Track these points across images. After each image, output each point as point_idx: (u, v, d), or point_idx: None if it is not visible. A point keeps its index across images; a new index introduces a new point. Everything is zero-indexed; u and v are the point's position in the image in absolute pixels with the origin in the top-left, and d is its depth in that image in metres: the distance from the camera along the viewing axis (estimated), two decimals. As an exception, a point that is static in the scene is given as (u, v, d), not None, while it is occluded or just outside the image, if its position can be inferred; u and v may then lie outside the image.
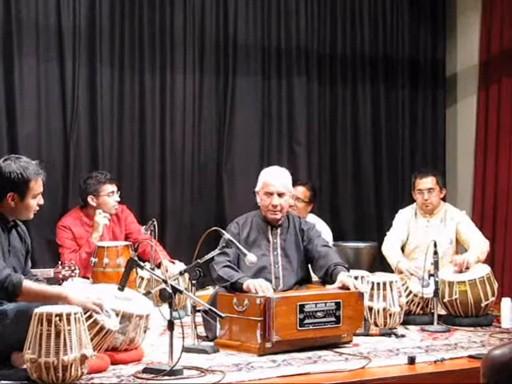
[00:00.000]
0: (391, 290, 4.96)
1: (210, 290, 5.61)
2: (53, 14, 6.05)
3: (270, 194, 4.83)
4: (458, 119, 7.49)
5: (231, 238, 4.46)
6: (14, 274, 3.78)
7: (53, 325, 3.48)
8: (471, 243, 5.63)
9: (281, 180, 4.87)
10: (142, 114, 6.41)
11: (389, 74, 7.33)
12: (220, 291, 4.62)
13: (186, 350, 3.94)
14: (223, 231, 4.53)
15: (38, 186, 3.97)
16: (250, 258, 4.46)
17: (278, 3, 6.88)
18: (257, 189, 4.93)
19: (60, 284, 4.94)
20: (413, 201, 5.95)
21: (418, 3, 7.44)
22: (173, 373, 3.73)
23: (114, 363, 3.94)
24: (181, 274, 4.55)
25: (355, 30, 7.19)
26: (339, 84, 7.15)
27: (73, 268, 4.53)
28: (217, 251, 4.50)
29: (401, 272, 5.44)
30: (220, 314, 4.06)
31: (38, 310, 3.54)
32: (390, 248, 5.72)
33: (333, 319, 4.44)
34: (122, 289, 4.02)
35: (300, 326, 4.33)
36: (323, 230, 5.91)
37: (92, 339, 3.75)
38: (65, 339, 3.49)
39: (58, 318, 3.49)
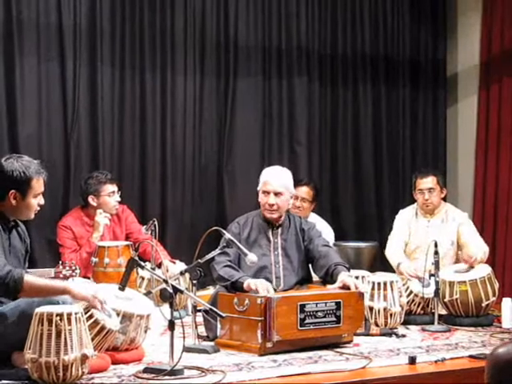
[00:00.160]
0: (392, 289, 4.96)
1: (210, 290, 5.61)
2: (53, 14, 6.05)
3: (267, 192, 4.84)
4: (458, 119, 7.49)
5: (232, 238, 4.46)
6: (15, 269, 3.78)
7: (53, 324, 3.48)
8: (471, 248, 5.60)
9: (279, 179, 4.87)
10: (143, 114, 6.41)
11: (390, 75, 7.34)
12: (220, 291, 4.62)
13: (186, 349, 3.94)
14: (224, 231, 4.53)
15: (39, 185, 3.97)
16: (251, 257, 4.46)
17: (278, 4, 6.88)
18: (258, 188, 4.94)
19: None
20: (413, 201, 5.94)
21: (418, 4, 7.44)
22: (173, 373, 3.73)
23: (114, 363, 3.94)
24: (181, 273, 4.55)
25: (356, 31, 7.19)
26: (340, 84, 7.15)
27: (73, 268, 4.52)
28: (217, 251, 4.50)
29: (402, 273, 5.44)
30: (220, 313, 4.07)
31: (38, 310, 3.54)
32: (392, 250, 5.72)
33: (333, 319, 4.44)
34: (122, 289, 4.02)
35: (301, 326, 4.34)
36: (325, 230, 5.92)
37: (93, 339, 3.75)
38: (65, 339, 3.49)
39: (58, 318, 3.49)
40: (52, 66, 6.07)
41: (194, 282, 4.45)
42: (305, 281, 4.90)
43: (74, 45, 6.10)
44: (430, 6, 7.45)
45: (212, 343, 4.45)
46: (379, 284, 4.98)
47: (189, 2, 6.52)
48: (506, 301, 5.15)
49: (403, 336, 4.83)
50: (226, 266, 4.66)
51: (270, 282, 4.65)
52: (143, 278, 5.29)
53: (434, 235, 5.52)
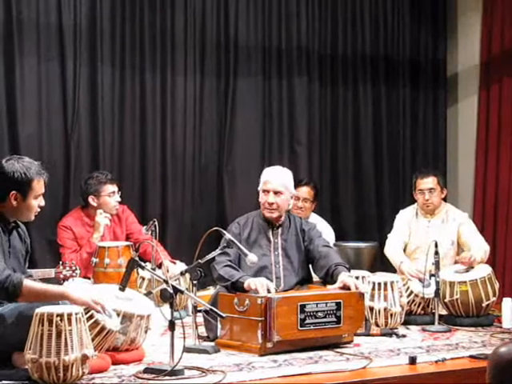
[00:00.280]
0: (392, 290, 4.96)
1: (210, 290, 5.61)
2: (54, 14, 6.05)
3: (267, 191, 4.85)
4: (458, 119, 7.49)
5: (232, 238, 4.46)
6: (14, 274, 3.78)
7: (54, 325, 3.49)
8: (472, 246, 5.61)
9: (279, 178, 4.88)
10: (143, 114, 6.41)
11: (390, 75, 7.34)
12: (221, 291, 4.62)
13: (186, 350, 3.94)
14: (224, 231, 4.53)
15: (39, 186, 3.97)
16: (251, 258, 4.46)
17: (278, 4, 6.88)
18: (259, 187, 4.95)
19: (61, 284, 4.95)
20: (414, 201, 5.94)
21: (418, 4, 7.44)
22: (174, 373, 3.73)
23: (114, 363, 3.94)
24: (182, 274, 4.55)
25: (356, 31, 7.19)
26: (340, 84, 7.15)
27: (74, 268, 4.53)
28: (218, 251, 4.50)
29: (403, 273, 5.44)
30: (221, 314, 4.07)
31: (39, 310, 3.54)
32: (392, 249, 5.71)
33: (333, 319, 4.44)
34: (123, 289, 4.02)
35: (301, 326, 4.34)
36: (325, 230, 5.93)
37: (93, 339, 3.75)
38: (66, 339, 3.49)
39: (59, 318, 3.50)
40: (52, 66, 6.07)
41: (195, 282, 4.45)
42: (305, 281, 4.91)
43: (74, 45, 6.10)
44: (431, 6, 7.45)
45: (212, 343, 4.45)
46: (379, 284, 4.97)
47: (189, 2, 6.52)
48: (506, 301, 5.15)
49: (403, 336, 4.83)
50: (226, 266, 4.67)
51: (271, 282, 4.65)
52: (143, 279, 5.29)
53: (434, 235, 5.52)
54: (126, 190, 6.06)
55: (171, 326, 3.79)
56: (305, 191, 6.21)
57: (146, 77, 6.39)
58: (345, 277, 4.59)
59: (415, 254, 5.75)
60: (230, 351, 4.33)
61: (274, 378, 3.81)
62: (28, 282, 3.77)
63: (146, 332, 4.19)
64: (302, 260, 4.90)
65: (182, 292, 3.96)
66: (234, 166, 6.73)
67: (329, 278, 4.74)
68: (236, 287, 4.55)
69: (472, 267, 5.41)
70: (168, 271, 5.12)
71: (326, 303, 4.42)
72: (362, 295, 4.55)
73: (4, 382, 3.57)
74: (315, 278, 5.02)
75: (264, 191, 4.87)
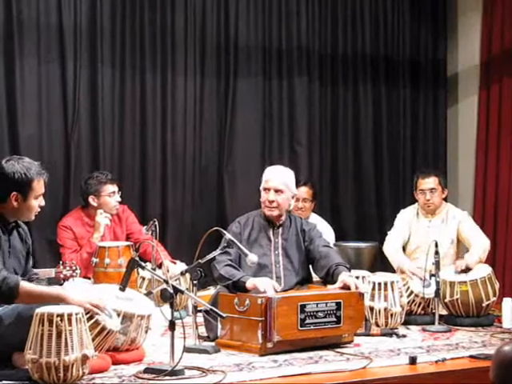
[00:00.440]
0: (392, 290, 4.96)
1: (211, 290, 5.61)
2: (54, 14, 6.05)
3: (268, 189, 4.85)
4: (459, 119, 7.49)
5: (232, 238, 4.47)
6: (10, 276, 3.77)
7: (54, 325, 3.49)
8: (472, 241, 5.63)
9: (280, 177, 4.88)
10: (143, 115, 6.41)
11: (390, 75, 7.34)
12: (221, 291, 4.62)
13: (187, 350, 3.94)
14: (224, 231, 4.53)
15: (40, 186, 3.97)
16: (252, 257, 4.47)
17: (278, 4, 6.88)
18: (260, 186, 4.95)
19: (61, 284, 4.95)
20: (414, 201, 5.94)
21: (418, 4, 7.44)
22: (174, 373, 3.73)
23: (115, 363, 3.94)
24: (182, 274, 4.55)
25: (356, 31, 7.19)
26: (340, 84, 7.15)
27: (74, 268, 4.53)
28: (218, 251, 4.51)
29: (403, 272, 5.44)
30: (221, 314, 4.07)
31: (39, 311, 3.54)
32: (391, 248, 5.72)
33: (333, 319, 4.44)
34: (123, 289, 4.02)
35: (301, 326, 4.34)
36: (325, 231, 5.93)
37: (93, 339, 3.75)
38: (66, 339, 3.49)
39: (59, 319, 3.50)
40: (52, 66, 6.07)
41: (195, 282, 4.45)
42: (305, 281, 4.91)
43: (75, 45, 6.10)
44: (431, 5, 7.45)
45: (212, 343, 4.45)
46: (380, 284, 4.97)
47: (189, 2, 6.52)
48: (506, 301, 5.15)
49: (404, 336, 4.83)
50: (226, 266, 4.67)
51: (270, 281, 4.66)
52: (144, 279, 5.29)
53: (434, 235, 5.52)
54: (126, 190, 6.06)
55: (171, 326, 3.79)
56: (303, 191, 6.21)
57: (146, 77, 6.39)
58: (345, 277, 4.59)
59: (415, 253, 5.75)
60: (231, 351, 4.33)
61: (275, 378, 3.82)
62: (24, 284, 3.77)
63: (146, 332, 4.19)
64: (302, 260, 4.90)
65: (182, 292, 3.96)
66: (234, 167, 6.73)
67: (329, 278, 4.74)
68: (237, 287, 4.55)
69: (469, 269, 5.41)
70: (168, 271, 5.12)
71: (326, 303, 4.42)
72: (362, 295, 4.56)
73: (4, 382, 3.57)
74: (315, 277, 5.02)
75: (265, 189, 4.88)
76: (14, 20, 5.90)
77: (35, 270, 4.29)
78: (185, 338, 3.82)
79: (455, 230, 5.75)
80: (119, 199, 5.72)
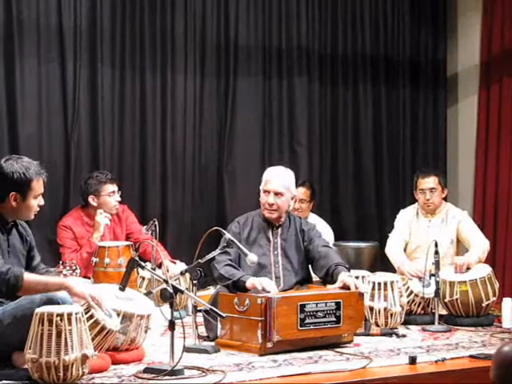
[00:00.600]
0: (392, 289, 4.96)
1: (210, 290, 5.61)
2: (54, 15, 6.05)
3: (268, 192, 4.84)
4: (458, 119, 7.49)
5: (232, 238, 4.47)
6: (13, 267, 3.79)
7: (54, 325, 3.49)
8: (471, 242, 5.64)
9: (280, 179, 4.87)
10: (143, 115, 6.41)
11: (390, 75, 7.34)
12: (221, 291, 4.62)
13: (186, 349, 3.94)
14: (224, 231, 4.53)
15: (39, 186, 3.97)
16: (251, 257, 4.47)
17: (278, 5, 6.88)
18: (260, 187, 4.95)
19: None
20: (414, 201, 5.94)
21: (418, 4, 7.44)
22: (174, 373, 3.73)
23: (114, 363, 3.95)
24: (182, 273, 4.56)
25: (356, 31, 7.19)
26: (340, 84, 7.15)
27: (74, 268, 4.52)
28: (218, 251, 4.51)
29: (403, 273, 5.44)
30: (221, 313, 4.07)
31: (39, 310, 3.54)
32: (393, 249, 5.71)
33: (333, 319, 4.44)
34: (123, 289, 4.02)
35: (301, 326, 4.34)
36: (325, 231, 5.92)
37: (93, 339, 3.76)
38: (66, 339, 3.49)
39: (59, 318, 3.50)
40: (52, 66, 6.07)
41: (195, 282, 4.45)
42: (305, 281, 4.91)
43: (75, 46, 6.10)
44: (431, 6, 7.45)
45: (212, 343, 4.45)
46: (379, 284, 4.97)
47: (189, 3, 6.52)
48: (506, 301, 5.15)
49: (403, 336, 4.83)
50: (226, 265, 4.67)
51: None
52: (143, 278, 5.29)
53: (434, 235, 5.52)
54: (126, 190, 6.06)
55: (171, 325, 3.79)
56: (301, 192, 6.18)
57: (146, 77, 6.40)
58: (345, 276, 4.59)
59: (415, 253, 5.75)
60: (230, 351, 4.33)
61: (274, 377, 3.81)
62: (28, 275, 3.78)
63: (146, 332, 4.19)
64: (301, 260, 4.90)
65: (181, 292, 3.96)
66: (234, 166, 6.73)
67: (329, 278, 4.74)
68: (237, 286, 4.55)
69: (469, 268, 5.41)
70: (168, 271, 5.12)
71: (326, 303, 4.42)
72: (361, 295, 4.56)
73: (4, 381, 3.57)
74: (315, 277, 5.02)
75: (265, 191, 4.87)
76: (13, 20, 5.91)
77: (51, 269, 4.28)
78: (184, 337, 3.82)
79: (455, 230, 5.76)
80: (119, 199, 5.72)
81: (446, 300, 5.29)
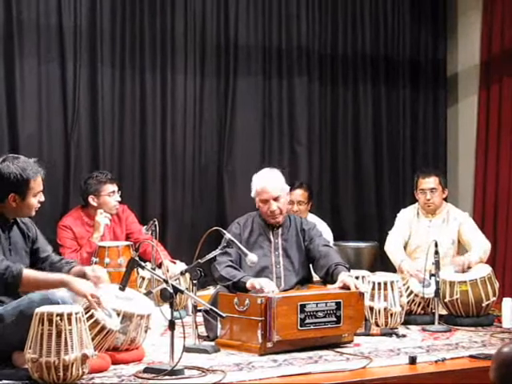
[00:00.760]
0: (392, 289, 4.96)
1: (210, 290, 5.61)
2: (54, 15, 6.05)
3: (266, 201, 4.82)
4: (459, 119, 7.49)
5: (232, 238, 4.46)
6: (13, 264, 3.80)
7: (54, 324, 3.49)
8: (473, 243, 5.64)
9: (273, 184, 4.84)
10: (143, 114, 6.41)
11: (390, 75, 7.34)
12: (221, 291, 4.62)
13: (186, 349, 3.94)
14: (224, 231, 4.53)
15: (37, 184, 3.97)
16: (251, 257, 4.46)
17: (278, 5, 6.88)
18: (252, 195, 4.92)
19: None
20: (414, 201, 5.95)
21: (418, 4, 7.44)
22: (174, 372, 3.73)
23: (114, 363, 3.94)
24: (182, 273, 4.55)
25: (356, 31, 7.19)
26: (340, 84, 7.15)
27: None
28: (218, 251, 4.50)
29: (403, 272, 5.44)
30: (221, 313, 4.07)
31: (39, 310, 3.54)
32: (392, 246, 5.71)
33: (333, 319, 4.44)
34: (123, 289, 4.02)
35: (301, 326, 4.33)
36: (324, 231, 5.91)
37: (93, 339, 3.75)
38: (66, 339, 3.49)
39: (59, 318, 3.50)
40: (52, 66, 6.07)
41: (195, 282, 4.45)
42: (305, 281, 4.91)
43: (75, 46, 6.10)
44: (431, 5, 7.45)
45: (212, 343, 4.45)
46: (379, 284, 4.97)
47: (189, 3, 6.52)
48: (506, 301, 5.15)
49: (403, 336, 4.83)
50: (227, 266, 4.67)
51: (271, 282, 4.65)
52: (143, 278, 5.29)
53: (434, 235, 5.52)
54: (125, 190, 6.06)
55: (171, 325, 3.79)
56: (298, 194, 6.17)
57: (146, 77, 6.40)
58: (345, 276, 4.59)
59: (416, 253, 5.75)
60: (230, 351, 4.33)
61: (274, 377, 3.81)
62: (27, 272, 3.79)
63: (145, 332, 4.19)
64: (302, 260, 4.90)
65: (181, 292, 3.96)
66: (234, 166, 6.73)
67: (329, 278, 4.74)
68: (237, 287, 4.55)
69: (469, 268, 5.41)
70: (168, 271, 5.12)
71: (326, 303, 4.42)
72: (361, 295, 4.55)
73: (4, 381, 3.57)
74: (315, 277, 5.02)
75: (262, 201, 4.84)
76: (13, 21, 5.91)
77: (72, 261, 4.26)
78: (184, 337, 3.82)
79: (456, 231, 5.75)
80: (119, 199, 5.72)
81: (446, 300, 5.29)
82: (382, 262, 6.28)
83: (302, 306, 4.34)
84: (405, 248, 5.80)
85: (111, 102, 6.29)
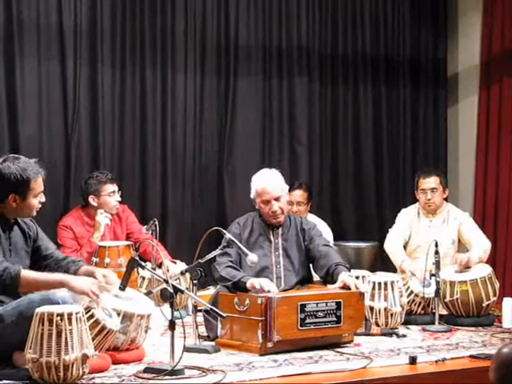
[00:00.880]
0: (392, 289, 4.96)
1: (211, 290, 5.61)
2: (54, 14, 6.05)
3: (268, 201, 4.82)
4: (459, 119, 7.49)
5: (232, 238, 4.46)
6: (11, 266, 3.80)
7: (54, 324, 3.49)
8: (473, 243, 5.64)
9: (273, 184, 4.84)
10: (144, 114, 6.41)
11: (390, 75, 7.34)
12: (221, 291, 4.62)
13: (187, 349, 3.94)
14: (224, 231, 4.53)
15: (38, 185, 3.97)
16: (252, 257, 4.46)
17: (279, 5, 6.88)
18: (251, 196, 4.91)
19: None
20: (415, 201, 5.95)
21: (419, 3, 7.44)
22: (174, 372, 3.73)
23: (115, 363, 3.94)
24: (182, 273, 4.56)
25: (356, 31, 7.19)
26: (340, 84, 7.15)
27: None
28: (218, 251, 4.50)
29: (403, 271, 5.44)
30: (221, 313, 4.07)
31: (39, 310, 3.54)
32: (392, 245, 5.71)
33: (333, 319, 4.43)
34: (123, 288, 4.02)
35: (301, 326, 4.33)
36: (324, 231, 5.91)
37: (93, 339, 3.75)
38: (66, 339, 3.49)
39: (59, 318, 3.50)
40: (52, 66, 6.07)
41: (195, 281, 4.45)
42: (305, 280, 4.91)
43: (75, 45, 6.10)
44: (431, 5, 7.45)
45: (212, 343, 4.45)
46: (380, 284, 4.97)
47: (189, 2, 6.52)
48: (506, 301, 5.15)
49: (404, 336, 4.83)
50: (227, 267, 4.67)
51: (271, 282, 4.65)
52: (144, 278, 5.29)
53: (435, 235, 5.51)
54: (126, 190, 6.06)
55: (171, 325, 3.79)
56: (298, 194, 6.16)
57: (146, 76, 6.40)
58: (345, 276, 4.59)
59: (416, 253, 5.75)
60: (231, 351, 4.33)
61: (274, 377, 3.81)
62: (26, 273, 3.79)
63: (146, 332, 4.19)
64: (302, 260, 4.90)
65: (182, 292, 3.96)
66: (235, 166, 6.73)
67: (329, 278, 4.74)
68: (238, 287, 4.55)
69: (469, 267, 5.41)
70: (168, 271, 5.12)
71: (326, 303, 4.42)
72: (361, 295, 4.55)
73: (4, 381, 3.57)
74: (316, 277, 5.02)
75: (264, 202, 4.84)
76: (14, 20, 5.91)
77: (79, 259, 4.27)
78: (185, 337, 3.82)
79: (456, 231, 5.75)
80: (119, 199, 5.72)
81: (446, 300, 5.29)
82: (382, 262, 6.28)
83: (303, 306, 4.34)
84: (405, 248, 5.80)
85: (111, 102, 6.29)
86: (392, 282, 4.98)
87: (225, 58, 6.69)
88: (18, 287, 3.76)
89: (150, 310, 4.25)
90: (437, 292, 5.09)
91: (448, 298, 5.28)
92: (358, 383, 3.87)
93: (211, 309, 4.12)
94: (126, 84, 6.35)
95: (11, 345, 3.73)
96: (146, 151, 6.42)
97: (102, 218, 5.53)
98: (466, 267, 5.40)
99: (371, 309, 4.95)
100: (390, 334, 4.82)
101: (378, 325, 4.93)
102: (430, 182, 5.77)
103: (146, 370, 3.81)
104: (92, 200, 5.64)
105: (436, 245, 5.12)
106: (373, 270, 5.84)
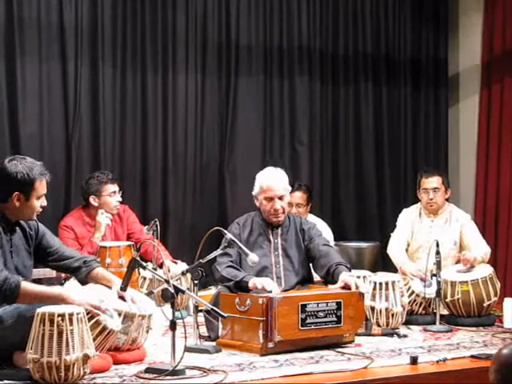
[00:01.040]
0: (393, 289, 4.95)
1: (212, 290, 5.61)
2: (55, 13, 6.06)
3: (271, 198, 4.82)
4: (460, 119, 7.49)
5: (233, 238, 4.46)
6: (11, 276, 3.79)
7: (55, 325, 3.49)
8: (473, 247, 5.61)
9: (279, 183, 4.85)
10: (144, 114, 6.41)
11: (391, 74, 7.34)
12: (222, 291, 4.62)
13: (188, 349, 3.94)
14: (225, 231, 4.53)
15: (42, 186, 3.98)
16: (252, 257, 4.46)
17: (280, 4, 6.89)
18: (254, 193, 4.91)
19: (62, 284, 4.96)
20: (416, 201, 5.94)
21: (420, 3, 7.44)
22: (175, 373, 3.73)
23: (116, 363, 3.94)
24: (183, 273, 4.55)
25: (357, 30, 7.19)
26: (341, 84, 7.16)
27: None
28: (219, 251, 4.50)
29: (405, 273, 5.44)
30: (222, 313, 4.07)
31: (40, 310, 3.54)
32: (395, 249, 5.70)
33: (334, 319, 4.43)
34: (124, 289, 4.02)
35: (302, 326, 4.33)
36: (324, 231, 5.91)
37: (94, 339, 3.75)
38: (67, 339, 3.49)
39: (60, 318, 3.50)
40: (53, 65, 6.07)
41: (196, 282, 4.45)
42: (306, 281, 4.91)
43: (76, 44, 6.11)
44: (432, 5, 7.45)
45: (213, 343, 4.45)
46: (381, 284, 4.97)
47: (190, 2, 6.53)
48: (507, 301, 5.15)
49: (405, 336, 4.83)
50: (228, 267, 4.67)
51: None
52: (145, 278, 5.29)
53: (436, 235, 5.51)
54: (127, 190, 6.06)
55: (172, 325, 3.79)
56: (297, 196, 6.14)
57: (147, 76, 6.40)
58: (346, 276, 4.59)
59: (417, 253, 5.75)
60: (232, 351, 4.33)
61: (275, 377, 3.81)
62: (26, 285, 3.79)
63: (147, 332, 4.19)
64: (302, 260, 4.90)
65: (183, 292, 3.96)
66: (235, 165, 6.74)
67: (329, 278, 4.74)
68: (239, 287, 4.55)
69: (473, 266, 5.41)
70: (169, 271, 5.11)
71: (327, 303, 4.42)
72: (362, 295, 4.55)
73: (5, 381, 3.57)
74: (316, 277, 5.02)
75: (267, 198, 4.84)
76: (14, 19, 5.91)
77: (35, 271, 4.26)
78: (186, 337, 3.82)
79: (458, 232, 5.74)
80: (120, 199, 5.72)
81: (447, 300, 5.28)
82: (383, 262, 6.28)
83: (303, 306, 4.34)
84: (406, 248, 5.79)
85: (112, 101, 6.29)
86: (393, 282, 4.97)
87: (226, 58, 6.70)
88: (17, 298, 3.76)
89: (151, 310, 4.25)
90: (438, 292, 5.09)
91: (449, 298, 5.28)
92: (359, 383, 3.87)
93: (212, 309, 4.11)
94: (126, 84, 6.35)
95: (12, 345, 3.73)
96: (147, 151, 6.42)
97: (103, 218, 5.53)
98: (471, 266, 5.40)
99: (372, 309, 4.94)
100: (391, 334, 4.82)
101: (379, 325, 4.92)
102: (433, 181, 5.76)
103: (147, 371, 3.80)
104: (93, 200, 5.64)
105: (437, 245, 5.11)
106: (374, 270, 5.84)
